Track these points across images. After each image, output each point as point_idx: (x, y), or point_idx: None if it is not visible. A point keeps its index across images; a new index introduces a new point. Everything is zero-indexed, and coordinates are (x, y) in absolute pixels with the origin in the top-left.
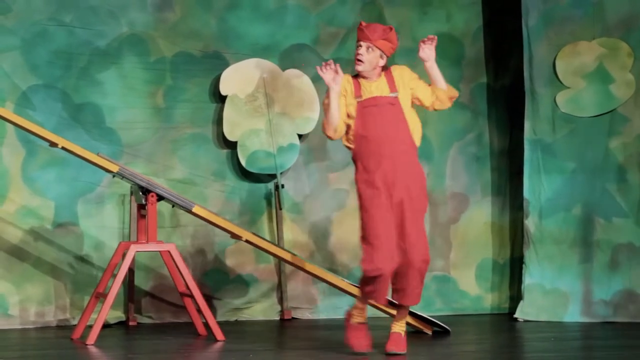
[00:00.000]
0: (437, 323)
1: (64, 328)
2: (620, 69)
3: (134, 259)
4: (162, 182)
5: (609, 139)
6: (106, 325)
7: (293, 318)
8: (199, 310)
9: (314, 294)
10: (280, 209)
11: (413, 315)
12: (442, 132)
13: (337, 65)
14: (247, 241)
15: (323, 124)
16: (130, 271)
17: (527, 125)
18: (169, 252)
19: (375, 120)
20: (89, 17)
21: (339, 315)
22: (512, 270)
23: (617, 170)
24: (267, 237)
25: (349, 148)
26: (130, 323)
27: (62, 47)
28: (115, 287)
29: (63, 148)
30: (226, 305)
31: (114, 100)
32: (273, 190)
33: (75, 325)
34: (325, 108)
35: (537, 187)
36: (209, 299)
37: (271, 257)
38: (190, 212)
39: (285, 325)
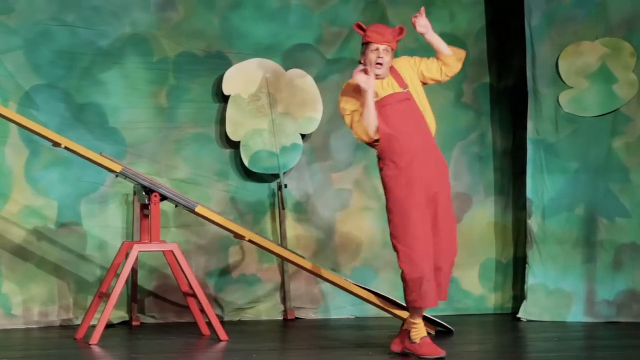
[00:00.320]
0: (440, 323)
1: (68, 328)
2: (623, 69)
3: (137, 259)
4: (166, 182)
5: (612, 139)
6: (110, 325)
7: (296, 318)
8: (203, 310)
9: (318, 294)
10: (284, 209)
11: None
12: (445, 132)
13: (367, 67)
14: (250, 241)
15: (355, 129)
16: (134, 271)
17: (530, 126)
18: (172, 252)
19: (397, 117)
20: (91, 17)
21: (343, 315)
22: (515, 271)
23: (620, 171)
24: (271, 237)
25: (372, 145)
26: (134, 323)
27: (64, 47)
28: (119, 287)
29: (66, 148)
30: (230, 305)
31: (117, 100)
32: (276, 190)
33: (78, 325)
34: (361, 112)
35: (540, 187)
36: (212, 299)
37: (274, 257)
38: (193, 212)
39: (288, 326)
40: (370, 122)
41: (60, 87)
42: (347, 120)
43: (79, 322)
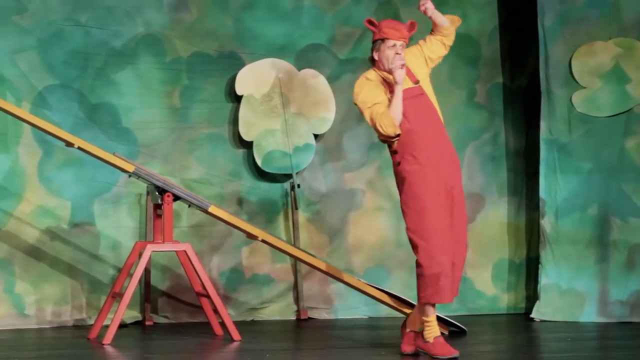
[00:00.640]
0: (453, 323)
1: (81, 328)
2: (636, 68)
3: (150, 259)
4: (178, 182)
5: (625, 139)
6: (122, 325)
7: (309, 318)
8: (215, 310)
9: (330, 294)
10: (296, 208)
11: None
12: (458, 132)
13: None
14: (263, 241)
15: (379, 121)
16: (147, 271)
17: (543, 125)
18: (185, 251)
19: (412, 112)
20: (105, 17)
21: (356, 315)
22: (528, 270)
23: (633, 170)
24: (283, 237)
25: (388, 140)
26: (147, 323)
27: (78, 47)
28: (132, 287)
29: (79, 148)
30: (242, 305)
31: (130, 100)
32: (289, 190)
33: (91, 325)
34: (389, 106)
35: (553, 187)
36: (225, 299)
37: (287, 257)
38: (206, 212)
39: (301, 325)
40: (398, 117)
41: (74, 87)
42: (367, 113)
43: (91, 321)
